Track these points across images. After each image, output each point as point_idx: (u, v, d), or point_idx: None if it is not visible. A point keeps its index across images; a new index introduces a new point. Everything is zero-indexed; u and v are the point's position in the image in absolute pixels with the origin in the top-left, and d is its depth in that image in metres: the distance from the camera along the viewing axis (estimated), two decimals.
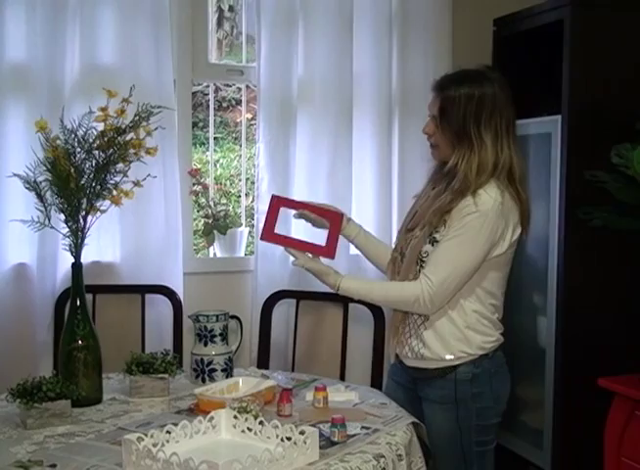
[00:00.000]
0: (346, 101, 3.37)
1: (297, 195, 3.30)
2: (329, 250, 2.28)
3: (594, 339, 3.19)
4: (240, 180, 3.96)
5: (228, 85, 4.24)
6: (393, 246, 2.44)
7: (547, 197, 3.21)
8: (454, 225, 2.16)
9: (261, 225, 3.25)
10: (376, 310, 2.83)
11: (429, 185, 2.35)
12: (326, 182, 3.35)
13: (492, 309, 2.28)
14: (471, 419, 2.25)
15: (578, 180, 3.11)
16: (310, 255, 2.31)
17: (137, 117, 2.28)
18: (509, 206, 2.18)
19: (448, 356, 2.23)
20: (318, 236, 2.44)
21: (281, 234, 2.38)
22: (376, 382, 2.81)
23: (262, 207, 3.30)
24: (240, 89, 3.76)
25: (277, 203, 2.37)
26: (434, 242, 2.20)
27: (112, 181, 2.29)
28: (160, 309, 3.12)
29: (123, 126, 2.26)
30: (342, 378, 2.85)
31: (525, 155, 3.36)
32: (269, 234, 2.33)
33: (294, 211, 2.46)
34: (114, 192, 2.30)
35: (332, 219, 2.37)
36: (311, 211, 2.42)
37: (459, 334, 2.23)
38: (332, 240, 2.24)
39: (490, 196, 2.15)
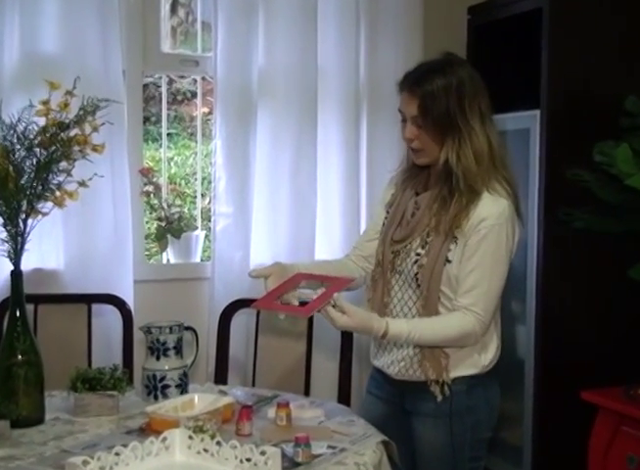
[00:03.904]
0: (311, 94, 3.37)
1: (257, 195, 3.30)
2: (309, 308, 2.14)
3: (576, 349, 3.23)
4: (195, 180, 3.95)
5: (182, 77, 4.22)
6: (362, 257, 2.45)
7: (525, 197, 3.24)
8: (472, 245, 2.17)
9: (219, 228, 3.30)
10: None
11: (407, 192, 2.35)
12: (289, 181, 3.36)
13: (498, 320, 2.33)
14: (465, 433, 2.27)
15: (559, 179, 3.14)
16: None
17: (82, 112, 2.26)
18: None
19: (448, 375, 2.25)
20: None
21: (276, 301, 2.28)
22: (343, 397, 2.81)
23: (219, 208, 3.31)
24: (195, 81, 3.74)
25: (299, 277, 2.31)
26: (446, 262, 2.21)
27: (54, 181, 2.26)
28: (108, 321, 3.10)
29: (67, 121, 2.24)
30: (307, 393, 2.85)
31: None
32: (268, 302, 2.22)
33: None
34: (58, 193, 2.28)
35: (336, 282, 2.22)
36: (323, 281, 2.31)
37: (467, 356, 2.25)
38: (317, 301, 2.14)
39: (498, 199, 2.18)
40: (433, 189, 2.28)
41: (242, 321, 3.19)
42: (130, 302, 3.10)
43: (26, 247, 2.29)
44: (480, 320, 2.18)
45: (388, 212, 2.41)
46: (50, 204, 2.29)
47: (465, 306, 2.18)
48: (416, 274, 2.23)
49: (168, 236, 3.48)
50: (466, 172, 2.17)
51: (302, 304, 2.22)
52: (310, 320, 2.91)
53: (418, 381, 2.27)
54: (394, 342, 2.25)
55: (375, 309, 2.30)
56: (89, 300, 2.99)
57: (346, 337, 2.84)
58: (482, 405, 2.29)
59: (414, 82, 2.21)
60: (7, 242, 2.26)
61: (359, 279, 2.44)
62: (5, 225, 2.25)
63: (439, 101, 2.16)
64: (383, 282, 2.33)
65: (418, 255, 2.24)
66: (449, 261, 2.20)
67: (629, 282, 3.11)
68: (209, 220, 3.47)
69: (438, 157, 2.21)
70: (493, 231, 2.16)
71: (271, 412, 2.27)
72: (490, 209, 2.17)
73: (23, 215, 2.25)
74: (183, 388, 2.45)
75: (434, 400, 2.25)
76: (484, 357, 2.28)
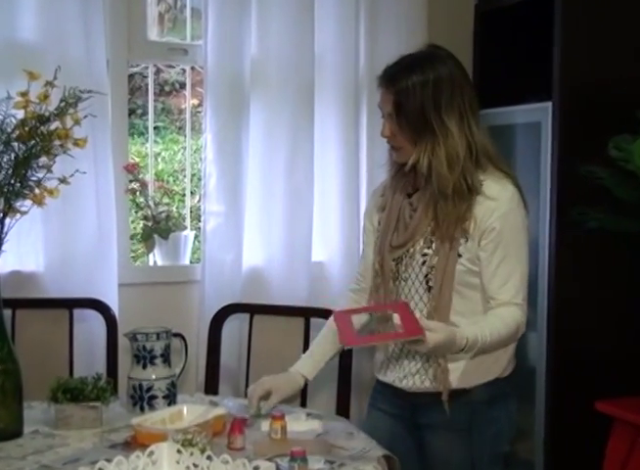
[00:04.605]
0: (307, 85, 3.37)
1: (250, 193, 3.30)
2: (418, 329, 2.06)
3: (591, 356, 3.23)
4: (184, 176, 3.95)
5: (170, 66, 4.22)
6: (368, 265, 2.43)
7: (536, 195, 3.24)
8: (492, 239, 2.20)
9: (209, 228, 3.30)
10: None
11: (397, 194, 2.36)
12: (283, 179, 3.35)
13: None
14: (485, 447, 2.29)
15: (572, 176, 3.14)
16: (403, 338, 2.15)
17: (63, 104, 2.26)
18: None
19: (464, 385, 2.26)
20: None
21: (362, 335, 2.35)
22: (342, 409, 2.81)
23: (210, 207, 3.30)
24: (184, 71, 3.74)
25: (343, 314, 2.31)
26: (457, 256, 2.23)
27: (34, 178, 2.27)
28: (91, 327, 3.09)
29: (47, 114, 2.24)
30: (304, 404, 2.85)
31: (511, 147, 3.41)
32: (353, 338, 2.22)
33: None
34: (37, 190, 2.28)
35: (397, 307, 2.20)
36: (375, 310, 2.36)
37: (481, 362, 2.26)
38: (413, 321, 2.12)
39: (500, 185, 2.22)
40: (422, 190, 2.29)
41: (234, 327, 3.20)
42: (115, 306, 3.09)
43: (4, 248, 2.29)
44: (524, 310, 2.23)
45: (380, 224, 2.41)
46: (29, 202, 2.30)
47: (506, 301, 2.21)
48: (426, 276, 2.25)
49: (155, 236, 3.47)
50: (438, 177, 2.19)
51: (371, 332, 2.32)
52: (307, 327, 2.91)
53: (435, 392, 2.27)
54: (464, 351, 2.16)
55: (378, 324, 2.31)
56: (71, 304, 2.99)
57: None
58: (503, 416, 2.31)
59: (390, 78, 2.24)
60: None
61: None
62: None
63: (414, 98, 2.18)
64: (385, 293, 2.34)
65: (425, 255, 2.25)
66: (460, 256, 2.22)
67: None
68: (199, 220, 3.46)
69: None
70: (509, 219, 2.20)
71: (265, 425, 2.27)
72: (498, 196, 2.20)
73: (0, 215, 2.25)
74: (171, 398, 2.45)
75: (452, 412, 2.25)
76: (501, 361, 2.30)
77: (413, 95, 2.18)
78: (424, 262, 2.25)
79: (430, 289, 2.24)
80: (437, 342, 2.02)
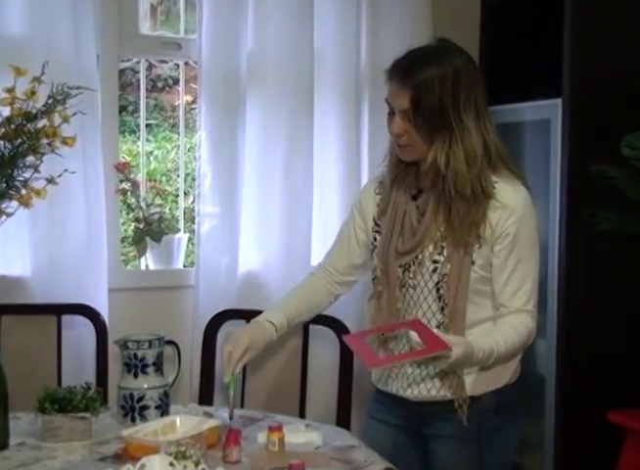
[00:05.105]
0: (306, 81, 3.37)
1: (246, 194, 3.30)
2: (441, 343, 2.07)
3: (602, 365, 3.22)
4: (178, 176, 3.95)
5: (163, 61, 4.23)
6: (370, 273, 2.41)
7: (545, 196, 3.24)
8: (507, 245, 2.20)
9: (203, 230, 3.29)
10: (341, 332, 2.82)
11: (400, 195, 2.32)
12: (281, 179, 3.35)
13: None
14: (494, 456, 2.29)
15: (582, 176, 3.14)
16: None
17: (51, 100, 2.26)
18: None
19: (474, 393, 2.26)
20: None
21: (385, 355, 2.31)
22: (343, 419, 2.80)
23: (204, 208, 3.30)
24: (177, 66, 3.75)
25: (356, 337, 2.29)
26: (471, 264, 2.23)
27: (20, 178, 2.26)
28: (79, 334, 3.09)
29: (34, 111, 2.24)
30: (302, 415, 2.85)
31: (519, 146, 3.41)
32: (377, 360, 2.22)
33: None
34: (24, 191, 2.28)
35: (412, 325, 2.19)
36: (388, 331, 2.33)
37: (498, 368, 2.26)
38: (433, 337, 2.13)
39: (514, 188, 2.21)
40: (428, 191, 2.27)
41: None
42: (104, 312, 3.09)
43: None
44: (534, 316, 2.25)
45: (376, 224, 2.38)
46: (15, 203, 2.29)
47: (518, 309, 2.22)
48: (437, 284, 2.23)
49: (147, 239, 3.47)
50: (455, 176, 2.17)
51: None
52: (306, 333, 2.91)
53: (442, 401, 2.27)
54: (480, 363, 2.18)
55: (382, 336, 2.30)
56: (59, 310, 2.98)
57: (346, 352, 2.84)
58: (510, 424, 2.32)
59: (405, 71, 2.18)
60: None
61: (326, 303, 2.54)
62: None
63: (433, 93, 2.14)
64: (389, 302, 2.32)
65: (436, 262, 2.23)
66: (473, 263, 2.21)
67: None
68: (193, 222, 3.46)
69: (426, 155, 2.21)
70: (524, 223, 2.21)
71: (262, 436, 2.27)
72: (513, 200, 2.20)
73: None
74: (164, 409, 2.44)
75: (460, 421, 2.25)
76: (510, 368, 2.30)
77: (432, 89, 2.13)
78: (435, 270, 2.23)
79: (440, 297, 2.23)
80: (458, 356, 2.03)
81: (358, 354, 2.16)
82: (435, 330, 2.10)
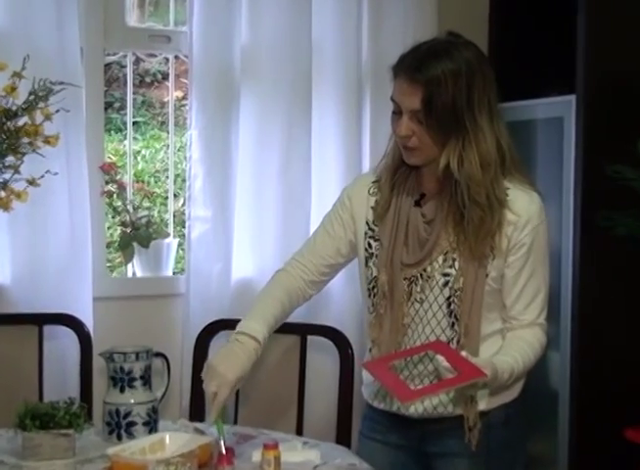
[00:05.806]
0: (304, 76, 3.38)
1: (240, 196, 3.30)
2: (475, 369, 2.06)
3: (619, 379, 3.23)
4: (167, 177, 3.95)
5: (152, 55, 4.22)
6: (367, 284, 2.34)
7: (558, 198, 3.25)
8: (521, 256, 2.20)
9: (194, 235, 3.29)
10: (341, 343, 2.83)
11: (402, 200, 2.28)
12: (277, 180, 3.36)
13: None
14: None
15: (597, 177, 3.14)
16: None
17: (33, 97, 2.26)
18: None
19: (484, 408, 2.26)
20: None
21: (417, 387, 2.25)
22: (343, 437, 2.81)
23: (196, 211, 3.30)
24: (167, 60, 3.74)
25: (378, 364, 2.24)
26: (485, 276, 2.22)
27: None
28: (62, 345, 3.09)
29: (15, 108, 2.25)
30: (300, 432, 2.85)
31: (530, 145, 3.41)
32: (409, 392, 2.15)
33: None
34: (3, 193, 2.28)
35: (437, 347, 2.18)
36: (412, 354, 2.27)
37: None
38: (463, 361, 2.11)
39: (528, 195, 2.21)
40: (434, 198, 2.24)
41: (222, 345, 3.18)
42: (89, 323, 3.10)
43: None
44: (545, 329, 2.27)
45: (370, 229, 2.33)
46: None
47: (530, 322, 2.24)
48: (448, 298, 2.20)
49: (134, 244, 3.47)
50: (469, 182, 2.13)
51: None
52: (303, 346, 2.90)
53: (449, 417, 2.27)
54: (502, 385, 2.18)
55: (384, 352, 2.26)
56: (40, 320, 2.99)
57: (346, 366, 2.84)
58: (517, 439, 2.33)
59: (415, 67, 2.12)
60: None
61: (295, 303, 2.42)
62: None
63: (446, 91, 2.09)
64: (393, 317, 2.27)
65: (447, 276, 2.20)
66: (487, 276, 2.20)
67: None
68: (183, 226, 3.47)
69: (436, 158, 2.17)
70: (539, 233, 2.21)
71: (257, 455, 2.26)
72: (529, 208, 2.19)
73: None
74: (152, 425, 2.44)
75: (468, 437, 2.24)
76: (520, 381, 2.30)
77: (445, 86, 2.08)
78: (445, 284, 2.20)
79: (451, 313, 2.21)
80: (487, 381, 2.05)
81: (387, 387, 2.14)
82: (464, 353, 2.07)
